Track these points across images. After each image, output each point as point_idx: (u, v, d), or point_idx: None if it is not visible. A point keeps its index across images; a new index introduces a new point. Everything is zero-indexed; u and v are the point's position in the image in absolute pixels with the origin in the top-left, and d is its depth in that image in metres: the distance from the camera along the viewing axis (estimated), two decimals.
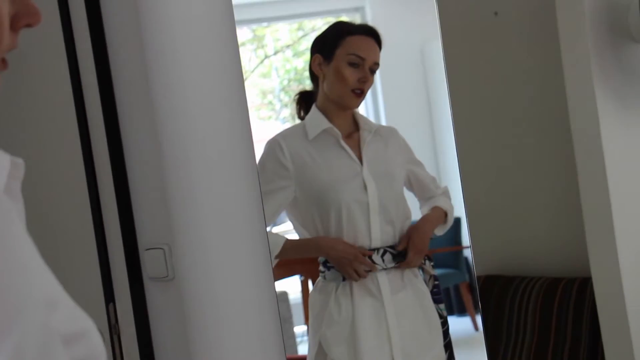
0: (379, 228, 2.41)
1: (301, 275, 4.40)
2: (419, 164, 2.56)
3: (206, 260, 2.04)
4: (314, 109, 2.48)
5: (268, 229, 2.25)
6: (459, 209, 2.61)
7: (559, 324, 2.43)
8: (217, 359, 2.08)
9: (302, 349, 4.34)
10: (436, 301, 2.46)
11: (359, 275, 2.39)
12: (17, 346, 0.56)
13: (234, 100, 2.01)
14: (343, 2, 4.53)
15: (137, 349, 2.25)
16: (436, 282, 2.48)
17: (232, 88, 1.99)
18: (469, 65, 2.63)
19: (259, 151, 2.34)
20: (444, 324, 2.48)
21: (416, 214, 2.57)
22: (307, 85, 2.66)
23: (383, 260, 2.40)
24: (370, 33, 2.48)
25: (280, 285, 2.68)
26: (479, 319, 4.62)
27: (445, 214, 2.54)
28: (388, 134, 2.52)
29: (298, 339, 3.28)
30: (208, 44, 1.97)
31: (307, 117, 2.49)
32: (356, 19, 5.19)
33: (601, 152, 1.96)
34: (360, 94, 2.42)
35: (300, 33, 5.29)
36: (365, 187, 2.41)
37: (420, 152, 2.62)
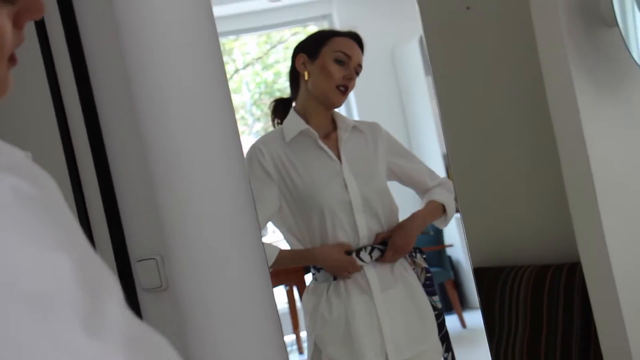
0: (366, 226, 2.41)
1: (286, 285, 4.41)
2: (406, 156, 2.55)
3: (200, 269, 2.02)
4: (292, 112, 2.48)
5: None
6: None
7: (550, 311, 2.44)
8: None
9: (293, 358, 4.34)
10: (429, 293, 2.45)
11: (350, 273, 2.40)
12: (121, 299, 0.60)
13: (221, 109, 2.01)
14: (310, 11, 4.56)
15: None
16: (428, 275, 2.47)
17: (218, 94, 1.99)
18: (447, 60, 2.66)
19: None
20: (439, 316, 2.48)
21: (412, 208, 2.58)
22: (279, 97, 2.69)
23: (371, 257, 2.41)
24: (354, 38, 2.50)
25: None
26: (466, 316, 4.65)
27: (444, 207, 2.55)
28: (369, 129, 2.52)
29: (288, 348, 3.28)
30: (192, 53, 1.97)
31: (285, 120, 2.49)
32: (324, 27, 5.22)
33: (581, 133, 1.99)
34: (344, 92, 2.43)
35: (268, 46, 5.31)
36: (346, 186, 2.41)
37: None
